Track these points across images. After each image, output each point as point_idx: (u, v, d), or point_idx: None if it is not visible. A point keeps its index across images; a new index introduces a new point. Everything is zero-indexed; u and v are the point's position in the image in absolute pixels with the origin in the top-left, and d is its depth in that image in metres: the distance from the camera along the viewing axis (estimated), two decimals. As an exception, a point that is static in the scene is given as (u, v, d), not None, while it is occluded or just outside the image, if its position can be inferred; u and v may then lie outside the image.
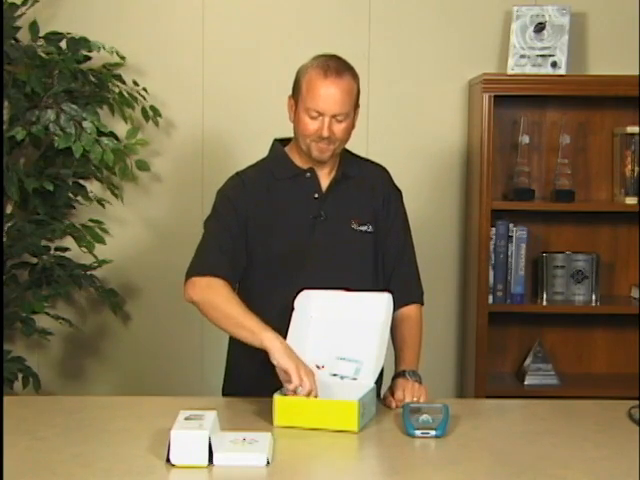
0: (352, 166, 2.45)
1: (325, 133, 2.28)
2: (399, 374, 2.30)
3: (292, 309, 2.24)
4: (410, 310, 2.44)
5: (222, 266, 2.30)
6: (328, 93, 2.27)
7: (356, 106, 2.36)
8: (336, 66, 2.30)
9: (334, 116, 2.29)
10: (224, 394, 2.47)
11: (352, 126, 2.36)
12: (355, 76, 2.34)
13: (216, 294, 2.27)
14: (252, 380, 2.33)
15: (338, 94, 2.28)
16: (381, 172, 2.51)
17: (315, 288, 2.27)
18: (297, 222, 2.37)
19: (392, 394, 2.25)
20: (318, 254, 2.35)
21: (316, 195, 2.39)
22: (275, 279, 2.36)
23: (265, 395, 2.13)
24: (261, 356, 2.21)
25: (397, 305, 2.34)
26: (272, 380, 2.13)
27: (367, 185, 2.45)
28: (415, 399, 2.21)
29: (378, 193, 2.45)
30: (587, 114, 3.53)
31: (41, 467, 1.82)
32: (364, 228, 2.40)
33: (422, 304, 2.49)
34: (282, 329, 2.20)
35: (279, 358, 2.11)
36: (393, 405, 2.22)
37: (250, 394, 2.27)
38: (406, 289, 2.45)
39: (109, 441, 1.99)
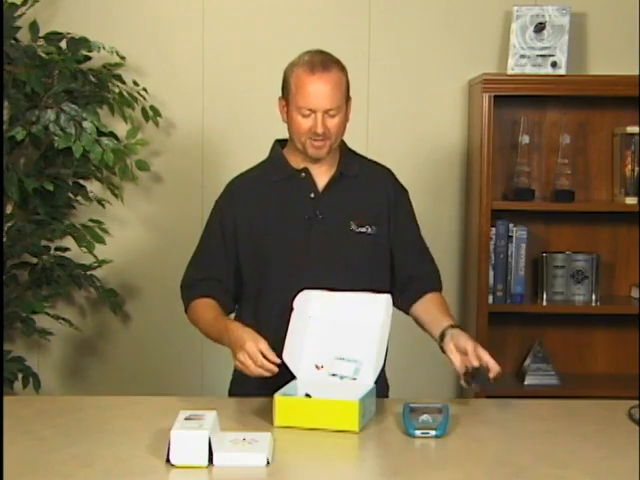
0: (352, 165, 2.42)
1: (319, 130, 2.27)
2: (449, 327, 2.28)
3: (291, 309, 2.24)
4: (434, 294, 2.44)
5: (206, 286, 2.38)
6: (317, 89, 2.27)
7: (347, 98, 2.35)
8: (322, 60, 2.30)
9: (326, 111, 2.28)
10: (230, 394, 2.46)
11: (346, 119, 2.35)
12: (343, 68, 2.33)
13: (198, 316, 2.38)
14: (258, 382, 2.33)
15: (328, 89, 2.27)
16: (385, 173, 2.48)
17: (314, 288, 2.26)
18: (293, 223, 2.35)
19: (456, 347, 2.23)
20: (315, 254, 2.33)
21: (312, 195, 2.37)
22: (274, 279, 2.35)
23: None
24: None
25: (421, 294, 2.41)
26: (277, 381, 2.13)
27: (369, 185, 2.42)
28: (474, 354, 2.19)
29: (382, 194, 2.42)
30: (587, 114, 3.53)
31: (41, 467, 1.82)
32: (364, 229, 2.37)
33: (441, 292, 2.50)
34: (282, 329, 2.20)
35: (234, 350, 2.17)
36: (458, 361, 2.22)
37: (257, 395, 2.24)
38: (429, 280, 2.46)
39: (109, 441, 1.99)
